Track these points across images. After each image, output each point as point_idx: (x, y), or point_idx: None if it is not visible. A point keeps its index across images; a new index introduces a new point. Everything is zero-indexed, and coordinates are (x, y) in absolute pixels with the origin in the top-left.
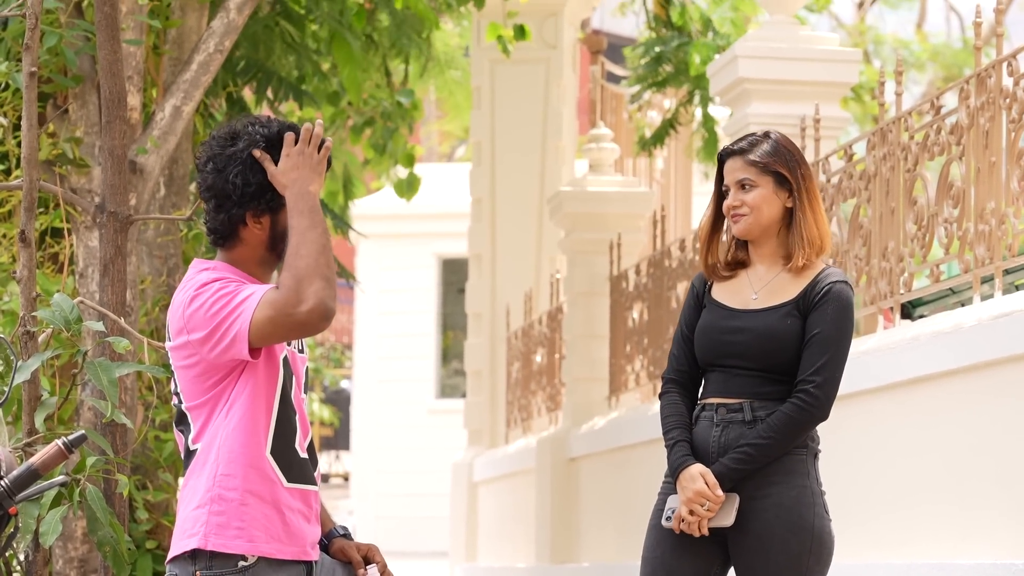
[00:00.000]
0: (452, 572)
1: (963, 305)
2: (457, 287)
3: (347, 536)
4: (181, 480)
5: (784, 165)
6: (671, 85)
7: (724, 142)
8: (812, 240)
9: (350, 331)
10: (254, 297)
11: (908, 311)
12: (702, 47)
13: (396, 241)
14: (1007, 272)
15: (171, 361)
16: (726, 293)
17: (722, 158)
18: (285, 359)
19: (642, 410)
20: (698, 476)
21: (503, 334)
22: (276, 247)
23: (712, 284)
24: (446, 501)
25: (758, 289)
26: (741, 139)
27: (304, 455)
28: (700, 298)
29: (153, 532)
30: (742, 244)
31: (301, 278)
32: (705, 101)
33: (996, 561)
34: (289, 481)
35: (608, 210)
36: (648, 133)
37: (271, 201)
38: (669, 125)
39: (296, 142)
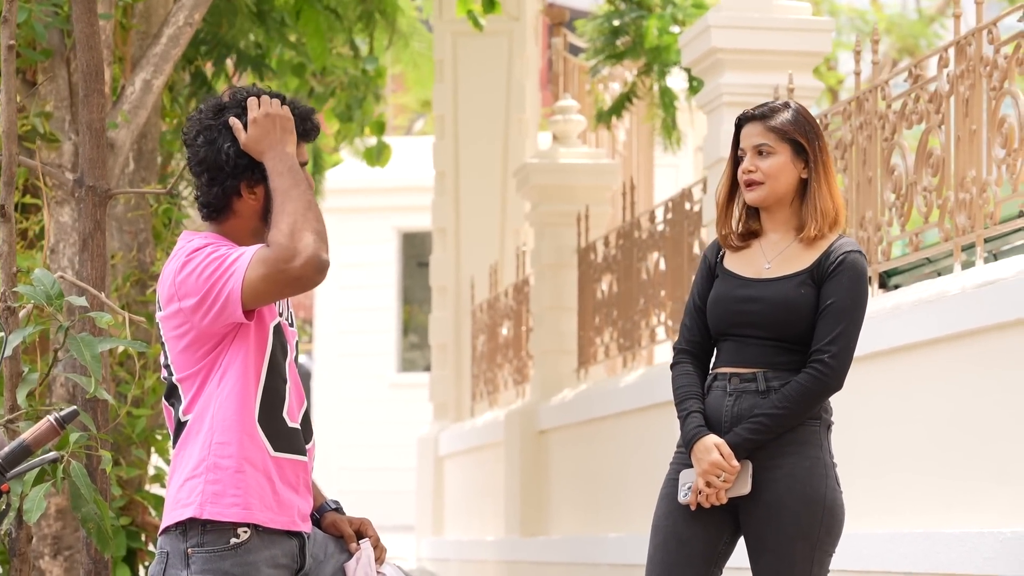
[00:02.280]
0: (419, 546)
1: (940, 275)
2: (417, 261)
3: (339, 510)
4: (155, 455)
5: (803, 135)
6: (628, 58)
7: (682, 115)
8: (826, 212)
9: (309, 306)
10: (244, 256)
11: (884, 280)
12: (659, 19)
13: (356, 215)
14: (987, 240)
15: (161, 332)
16: (739, 262)
17: (739, 123)
18: (277, 327)
19: (612, 382)
20: (713, 447)
21: (468, 307)
22: (269, 216)
23: (724, 254)
24: (410, 475)
25: (771, 258)
26: (761, 105)
27: (294, 425)
28: (712, 268)
29: (127, 508)
30: (754, 213)
31: (291, 232)
32: (662, 74)
33: (981, 530)
34: (276, 450)
35: (576, 182)
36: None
37: (265, 169)
38: (626, 97)
39: (259, 107)
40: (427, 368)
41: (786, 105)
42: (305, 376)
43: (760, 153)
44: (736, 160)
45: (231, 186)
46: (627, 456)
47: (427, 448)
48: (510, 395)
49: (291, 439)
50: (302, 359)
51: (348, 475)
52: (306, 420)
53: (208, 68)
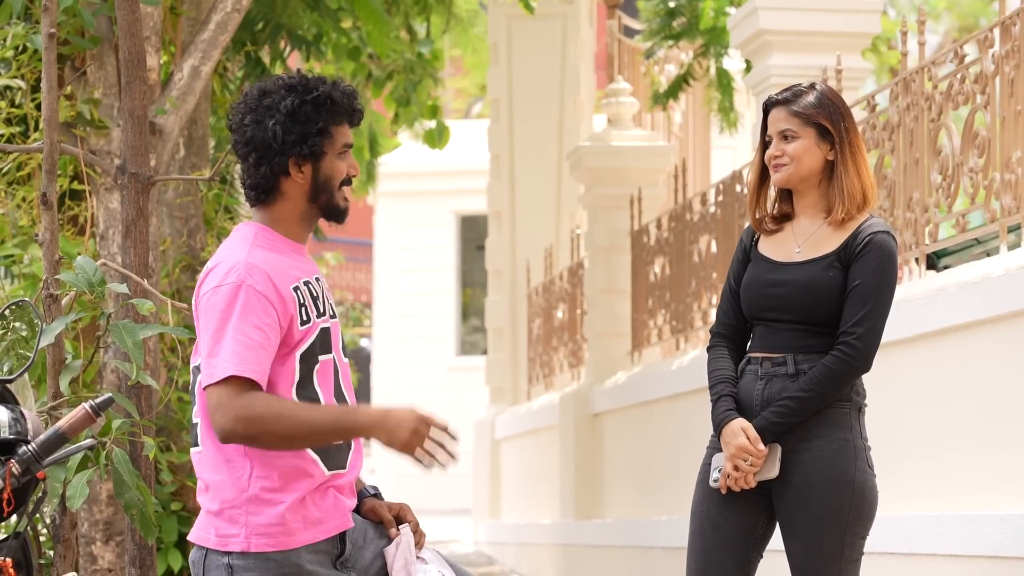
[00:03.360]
0: (476, 529)
1: (988, 255)
2: (475, 244)
3: (378, 496)
4: None
5: (827, 117)
6: (684, 39)
7: (740, 96)
8: (853, 194)
9: (369, 290)
10: (227, 364)
11: (933, 262)
12: (715, 0)
13: (414, 199)
14: None
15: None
16: (771, 246)
17: (767, 108)
18: (308, 349)
19: (665, 365)
20: (739, 431)
21: (523, 290)
22: (318, 198)
23: (759, 238)
24: (468, 458)
25: (801, 242)
26: (786, 89)
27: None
28: (747, 252)
29: (177, 494)
30: (787, 197)
31: (271, 417)
32: (719, 55)
33: None
34: (329, 469)
35: (628, 164)
36: (664, 88)
37: (314, 146)
38: (683, 79)
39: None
40: (486, 351)
41: (812, 87)
42: (365, 359)
43: (785, 138)
44: (765, 145)
45: (280, 163)
46: (680, 439)
47: (484, 432)
48: (565, 378)
49: (337, 455)
50: (363, 343)
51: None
52: None
53: (264, 52)
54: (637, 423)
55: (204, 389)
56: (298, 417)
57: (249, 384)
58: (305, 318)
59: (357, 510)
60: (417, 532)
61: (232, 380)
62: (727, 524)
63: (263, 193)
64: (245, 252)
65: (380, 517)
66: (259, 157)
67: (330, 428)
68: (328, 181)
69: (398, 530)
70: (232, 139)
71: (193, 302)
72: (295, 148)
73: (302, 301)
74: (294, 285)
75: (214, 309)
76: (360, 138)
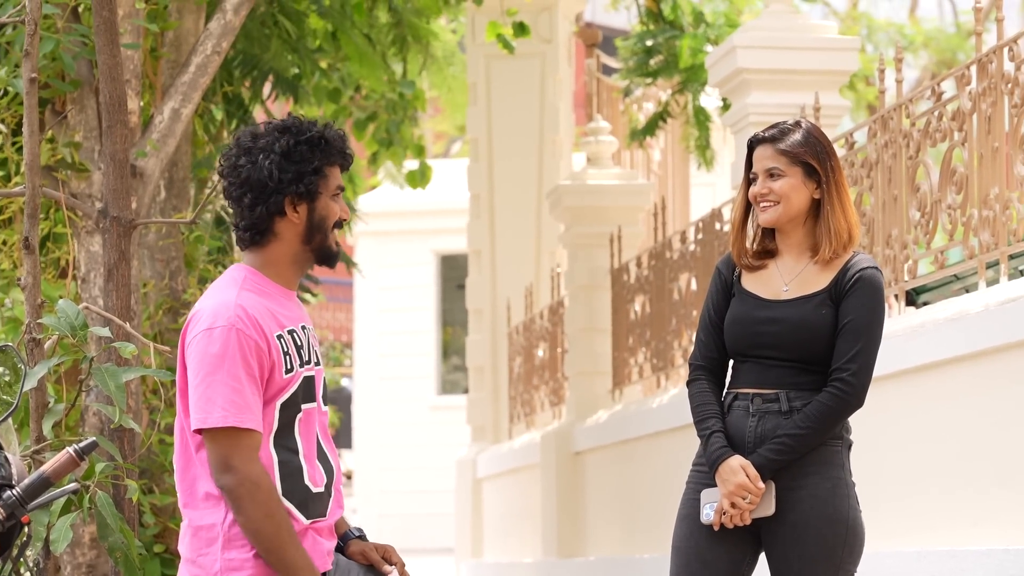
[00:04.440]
0: (458, 569)
1: (967, 291)
2: (456, 283)
3: (363, 537)
4: None
5: (814, 156)
6: (662, 77)
7: (716, 134)
8: (839, 232)
9: (349, 329)
10: (225, 413)
11: (912, 298)
12: (692, 38)
13: (394, 238)
14: (1012, 257)
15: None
16: (756, 283)
17: (752, 145)
18: (290, 398)
19: (646, 403)
20: (739, 469)
21: (504, 329)
22: (312, 239)
23: (741, 273)
24: (450, 497)
25: (788, 280)
26: (772, 127)
27: (318, 490)
28: (728, 285)
29: (160, 536)
30: (770, 234)
31: (261, 510)
32: (696, 93)
33: (1008, 547)
34: (308, 518)
35: (608, 203)
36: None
37: (310, 185)
38: (660, 117)
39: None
40: (467, 390)
41: (797, 125)
42: (346, 399)
43: (771, 176)
44: (749, 182)
45: (276, 202)
46: (662, 476)
47: (465, 470)
48: (547, 416)
49: (317, 504)
50: (344, 382)
51: (389, 498)
52: (329, 477)
53: (245, 91)
54: (619, 461)
55: (198, 432)
56: (280, 535)
57: (251, 432)
58: (289, 367)
59: (343, 551)
60: (403, 574)
61: (235, 430)
62: (716, 561)
63: (257, 234)
64: (234, 295)
65: (369, 559)
66: (255, 197)
67: (287, 564)
68: (323, 221)
69: (388, 569)
70: (225, 183)
71: (179, 344)
72: (291, 187)
73: (286, 350)
74: (278, 333)
75: (204, 352)
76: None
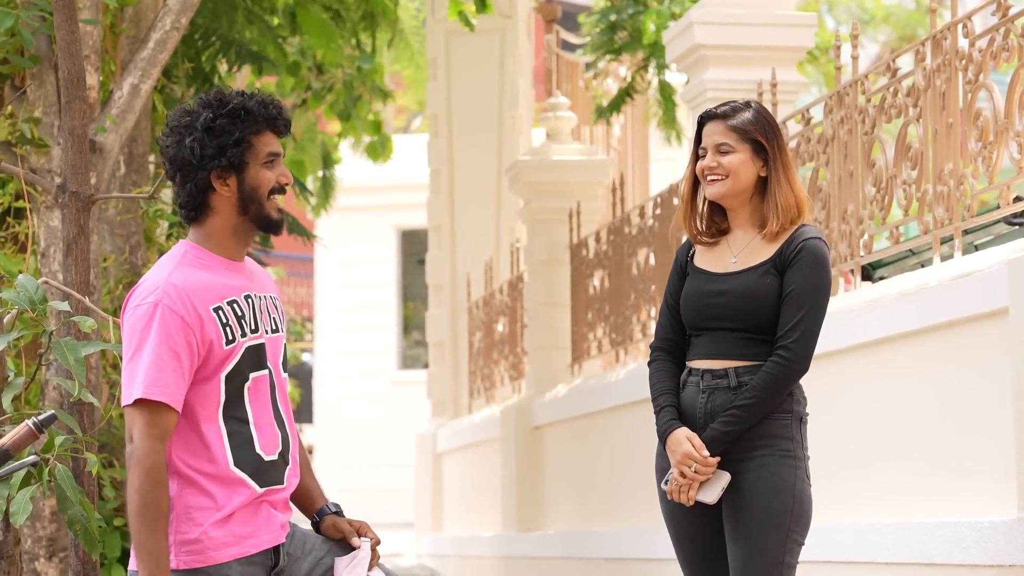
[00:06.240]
0: (418, 542)
1: (923, 266)
2: (416, 258)
3: (339, 513)
4: None
5: (763, 134)
6: (626, 53)
7: (681, 109)
8: (787, 207)
9: (310, 304)
10: (140, 386)
11: (868, 273)
12: (656, 14)
13: (354, 213)
14: (966, 232)
15: None
16: (708, 259)
17: (702, 121)
18: (235, 368)
19: (605, 377)
20: (684, 439)
21: (464, 304)
22: (247, 209)
23: (694, 252)
24: (410, 472)
25: (736, 253)
26: (723, 104)
27: (271, 458)
28: (683, 267)
29: (120, 509)
30: (721, 213)
31: (148, 490)
32: (661, 68)
33: (960, 519)
34: (261, 486)
35: (567, 178)
36: (605, 102)
37: (233, 158)
38: (625, 93)
39: None
40: (428, 365)
41: (748, 104)
42: (306, 374)
43: (721, 151)
44: (698, 158)
45: (202, 179)
46: (621, 450)
47: (426, 445)
48: (506, 391)
49: (272, 472)
50: (305, 357)
51: (349, 473)
52: (284, 444)
53: (206, 64)
54: (578, 435)
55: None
56: (142, 513)
57: (163, 407)
58: (230, 338)
59: (317, 527)
60: (374, 552)
61: (146, 403)
62: (701, 537)
63: (193, 210)
64: (167, 272)
65: (342, 531)
66: (184, 175)
67: (139, 542)
68: (255, 191)
69: (359, 539)
70: (162, 162)
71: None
72: (214, 161)
73: (225, 321)
74: (215, 306)
75: (133, 328)
76: (314, 154)
